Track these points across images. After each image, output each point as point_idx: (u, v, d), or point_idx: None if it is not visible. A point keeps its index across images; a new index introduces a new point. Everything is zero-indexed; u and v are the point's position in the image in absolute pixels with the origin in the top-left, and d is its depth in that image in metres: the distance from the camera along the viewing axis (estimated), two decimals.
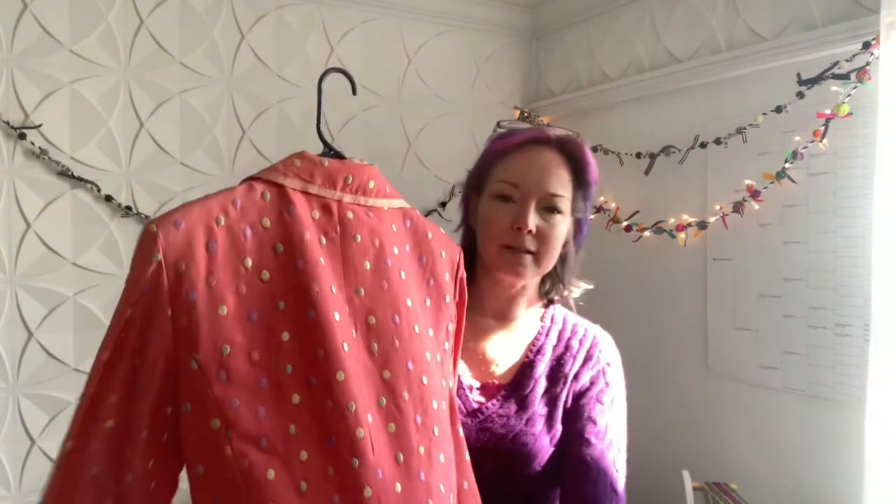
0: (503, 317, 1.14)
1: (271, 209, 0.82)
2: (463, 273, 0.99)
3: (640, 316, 2.48)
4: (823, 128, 1.83)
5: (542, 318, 1.16)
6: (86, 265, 2.10)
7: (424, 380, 0.88)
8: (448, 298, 0.96)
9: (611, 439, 1.07)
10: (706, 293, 2.23)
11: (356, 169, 0.91)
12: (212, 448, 0.75)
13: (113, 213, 2.13)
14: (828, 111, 1.81)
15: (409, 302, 0.89)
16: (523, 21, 2.88)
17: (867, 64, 1.73)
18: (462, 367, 1.08)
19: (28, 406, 2.03)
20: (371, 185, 0.91)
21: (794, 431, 1.97)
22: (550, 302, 1.18)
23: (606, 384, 1.11)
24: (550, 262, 1.08)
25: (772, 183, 1.97)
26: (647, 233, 2.38)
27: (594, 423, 1.07)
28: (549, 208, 1.06)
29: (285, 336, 0.79)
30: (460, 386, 1.06)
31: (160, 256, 0.74)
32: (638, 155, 2.40)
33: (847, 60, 1.78)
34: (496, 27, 2.83)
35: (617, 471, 1.06)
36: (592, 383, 1.10)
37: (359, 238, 0.87)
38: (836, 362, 1.85)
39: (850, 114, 1.78)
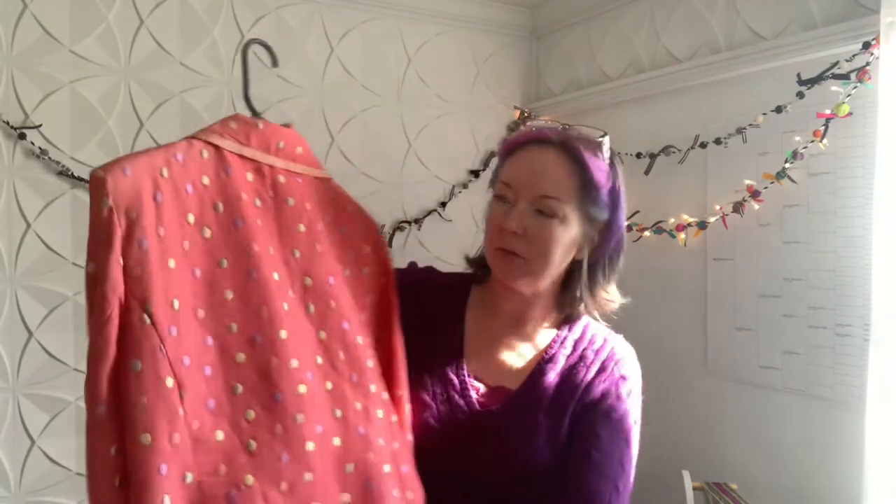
0: (517, 322, 1.09)
1: (209, 168, 0.82)
2: (386, 248, 1.03)
3: (640, 316, 2.47)
4: (823, 128, 1.83)
5: (559, 326, 1.10)
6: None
7: (359, 339, 0.90)
8: (366, 270, 0.98)
9: (614, 455, 1.01)
10: (706, 293, 2.23)
11: (288, 135, 0.92)
12: (166, 412, 0.72)
13: None
14: (828, 111, 1.81)
15: (340, 266, 0.92)
16: (523, 21, 2.88)
17: (867, 64, 1.73)
18: (474, 368, 1.06)
19: (28, 406, 2.03)
20: (299, 150, 0.93)
21: (794, 431, 1.97)
22: (570, 316, 1.11)
23: (618, 398, 1.04)
24: (545, 267, 1.01)
25: (772, 183, 1.97)
26: (647, 233, 2.38)
27: (598, 437, 1.00)
28: (541, 211, 1.00)
29: (229, 294, 0.79)
30: (468, 387, 1.04)
31: (110, 202, 0.72)
32: (638, 155, 2.40)
33: (847, 60, 1.78)
34: (496, 27, 2.83)
35: (617, 489, 0.99)
36: (604, 396, 1.03)
37: (291, 202, 0.89)
38: (836, 362, 1.85)
39: (850, 114, 1.77)
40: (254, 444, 0.78)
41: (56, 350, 2.05)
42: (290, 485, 0.78)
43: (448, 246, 2.70)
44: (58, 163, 2.03)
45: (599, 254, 1.06)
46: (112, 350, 0.70)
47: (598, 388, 1.04)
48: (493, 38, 2.84)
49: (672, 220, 2.30)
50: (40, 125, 2.02)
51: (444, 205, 2.71)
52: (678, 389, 2.32)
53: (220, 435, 0.76)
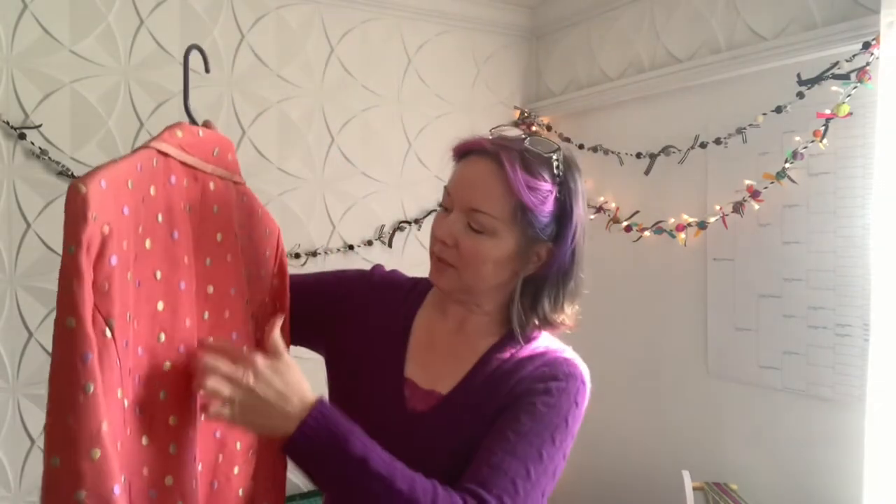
0: (461, 328, 1.07)
1: (158, 177, 0.84)
2: (283, 251, 1.05)
3: (640, 316, 2.48)
4: (823, 128, 1.83)
5: (504, 336, 1.05)
6: None
7: (244, 350, 0.92)
8: (263, 273, 1.00)
9: (532, 441, 0.94)
10: (706, 293, 2.23)
11: (222, 142, 0.94)
12: (118, 423, 0.74)
13: None
14: (828, 111, 1.81)
15: (244, 273, 0.94)
16: (523, 21, 2.88)
17: (867, 64, 1.73)
18: (412, 371, 1.05)
19: (28, 406, 2.02)
20: (229, 157, 0.95)
21: (794, 431, 1.97)
22: (520, 330, 1.05)
23: (546, 392, 0.98)
24: (475, 280, 1.00)
25: (772, 183, 1.98)
26: (647, 233, 2.38)
27: (518, 420, 0.95)
28: (470, 224, 0.98)
29: (160, 305, 0.82)
30: (402, 389, 1.03)
31: (95, 214, 0.72)
32: (638, 155, 2.40)
33: (847, 60, 1.79)
34: (496, 27, 2.83)
35: (528, 472, 0.93)
36: (530, 391, 0.98)
37: (216, 209, 0.91)
38: (836, 362, 1.85)
39: (850, 114, 1.78)
40: (174, 448, 0.84)
41: None
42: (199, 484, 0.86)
43: None
44: (58, 163, 2.03)
45: (545, 272, 1.02)
46: (96, 362, 0.71)
47: (526, 385, 0.99)
48: (493, 38, 2.84)
49: (672, 220, 2.30)
50: (40, 125, 2.02)
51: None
52: (678, 389, 2.32)
53: (145, 440, 0.81)
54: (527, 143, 0.99)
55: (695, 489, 2.03)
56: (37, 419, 2.03)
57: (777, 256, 2.01)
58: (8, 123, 1.97)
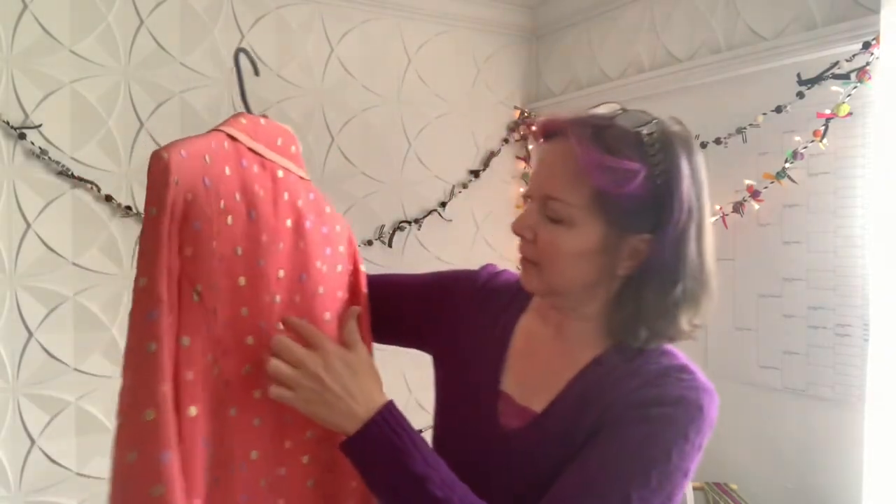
0: (560, 337, 0.94)
1: (231, 158, 0.85)
2: (356, 249, 1.04)
3: None
4: (823, 128, 1.83)
5: (609, 348, 0.90)
6: (86, 265, 2.10)
7: (320, 335, 0.93)
8: (340, 268, 1.01)
9: (615, 479, 0.79)
10: None
11: (284, 133, 0.95)
12: (206, 385, 0.77)
13: (113, 213, 2.13)
14: (828, 111, 1.81)
15: (318, 264, 0.94)
16: (523, 21, 2.88)
17: (867, 64, 1.73)
18: (509, 382, 0.95)
19: (28, 406, 2.03)
20: (293, 149, 0.96)
21: (794, 431, 1.97)
22: (628, 342, 0.89)
23: (643, 419, 0.82)
24: (558, 277, 0.87)
25: (772, 183, 1.97)
26: None
27: (604, 451, 0.81)
28: (547, 214, 0.86)
29: (242, 281, 0.83)
30: (496, 401, 0.94)
31: (177, 179, 0.74)
32: None
33: (847, 60, 1.78)
34: (496, 27, 2.83)
35: None
36: (621, 418, 0.83)
37: (286, 196, 0.92)
38: (836, 362, 1.85)
39: (850, 114, 1.78)
40: (258, 421, 0.85)
41: (56, 350, 2.05)
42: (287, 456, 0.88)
43: (448, 246, 2.70)
44: (58, 163, 2.03)
45: (647, 271, 0.85)
46: (164, 323, 0.72)
47: (620, 408, 0.83)
48: (493, 38, 2.84)
49: None
50: (40, 125, 2.02)
51: (444, 205, 2.71)
52: None
53: (233, 412, 0.82)
54: (617, 118, 0.85)
55: (695, 489, 2.03)
56: (37, 419, 2.03)
57: (777, 256, 2.01)
58: (8, 123, 1.97)
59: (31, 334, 2.03)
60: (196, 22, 2.25)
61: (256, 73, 1.02)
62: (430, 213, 2.67)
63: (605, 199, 0.82)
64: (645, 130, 0.83)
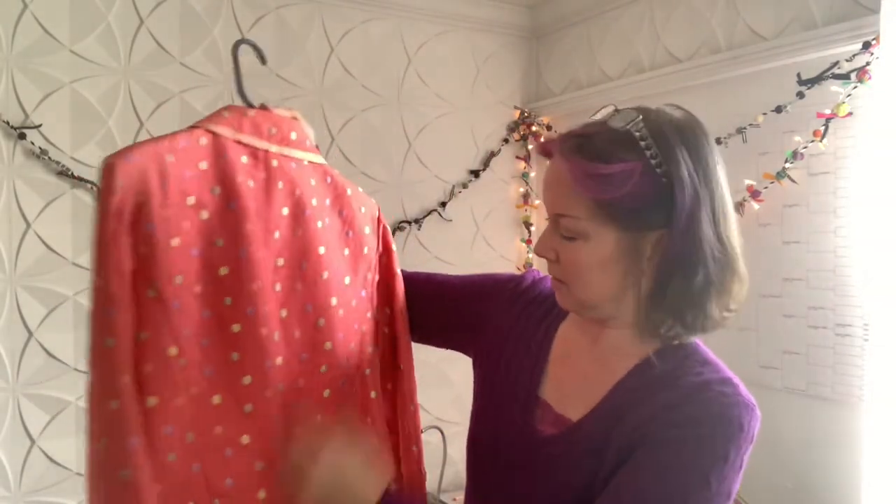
0: (597, 346, 0.93)
1: (208, 153, 0.88)
2: (386, 227, 1.04)
3: None
4: (823, 128, 1.83)
5: (646, 355, 0.87)
6: (86, 265, 2.10)
7: (321, 322, 0.94)
8: (366, 250, 1.01)
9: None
10: None
11: (279, 121, 0.98)
12: (166, 376, 0.80)
13: None
14: (828, 111, 1.81)
15: (321, 250, 0.95)
16: (523, 21, 2.88)
17: (867, 64, 1.73)
18: (548, 389, 0.95)
19: (28, 406, 2.03)
20: (293, 136, 0.98)
21: (794, 431, 1.97)
22: (665, 344, 0.88)
23: (679, 440, 0.80)
24: (586, 292, 0.87)
25: (772, 183, 1.97)
26: None
27: (636, 478, 0.80)
28: (562, 234, 0.86)
29: (223, 271, 0.86)
30: (534, 408, 0.94)
31: (122, 183, 0.78)
32: None
33: (847, 60, 1.78)
34: (496, 27, 2.83)
35: None
36: (653, 440, 0.81)
37: (281, 185, 0.93)
38: (836, 362, 1.85)
39: (850, 114, 1.78)
40: (249, 407, 0.86)
41: (56, 350, 2.05)
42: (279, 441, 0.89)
43: (448, 246, 2.70)
44: (58, 163, 2.03)
45: (668, 263, 0.83)
46: (121, 319, 0.77)
47: (653, 427, 0.81)
48: (493, 38, 2.84)
49: None
50: (40, 125, 2.02)
51: (444, 205, 2.71)
52: None
53: (217, 399, 0.84)
54: (608, 121, 0.85)
55: None
56: (37, 419, 2.03)
57: (777, 256, 2.01)
58: (8, 123, 1.97)
59: (31, 334, 2.03)
60: (196, 22, 2.25)
61: (263, 61, 1.03)
62: (430, 213, 2.67)
63: (608, 206, 0.82)
64: (634, 127, 0.83)
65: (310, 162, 0.98)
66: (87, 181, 2.07)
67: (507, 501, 0.93)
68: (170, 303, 0.80)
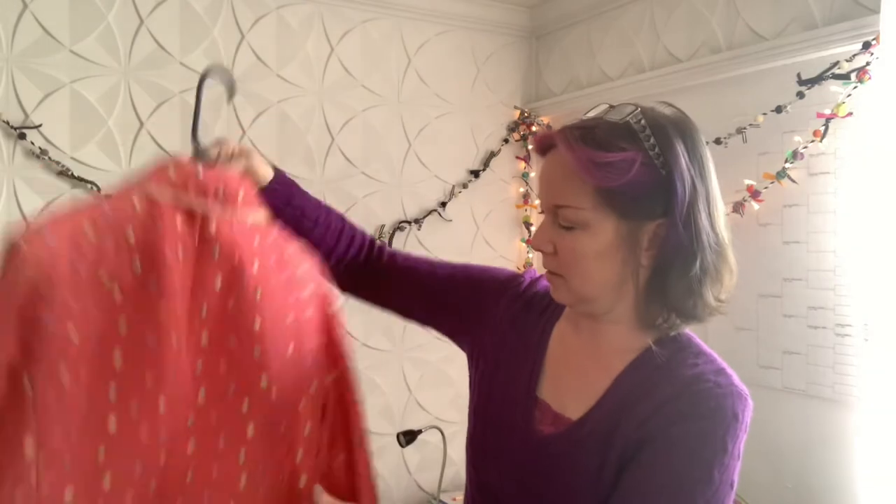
0: (594, 343, 0.94)
1: (138, 221, 0.81)
2: (328, 286, 0.94)
3: None
4: (823, 128, 1.83)
5: (644, 349, 0.89)
6: None
7: (245, 406, 0.85)
8: (309, 312, 0.91)
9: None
10: None
11: (228, 180, 0.89)
12: (20, 476, 0.74)
13: None
14: (828, 111, 1.81)
15: (256, 324, 0.85)
16: (523, 21, 2.88)
17: (867, 64, 1.73)
18: (546, 389, 0.95)
19: None
20: (240, 196, 0.89)
21: (794, 431, 1.97)
22: (661, 336, 0.90)
23: (680, 438, 0.83)
24: (584, 284, 0.88)
25: (772, 183, 1.97)
26: None
27: (643, 480, 0.82)
28: (560, 224, 0.87)
29: (118, 360, 0.79)
30: (532, 406, 0.95)
31: (25, 275, 0.73)
32: None
33: (847, 60, 1.78)
34: (496, 27, 2.83)
35: None
36: (655, 438, 0.83)
37: (216, 254, 0.84)
38: (836, 362, 1.85)
39: (850, 114, 1.78)
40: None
41: None
42: None
43: (448, 246, 2.70)
44: (58, 163, 2.03)
45: (666, 254, 0.85)
46: None
47: (654, 425, 0.83)
48: (493, 38, 2.84)
49: None
50: (40, 125, 2.02)
51: (444, 205, 2.71)
52: None
53: (69, 495, 0.77)
54: (605, 115, 0.87)
55: None
56: None
57: (777, 256, 2.01)
58: (8, 123, 1.97)
59: None
60: (196, 22, 2.25)
61: (231, 96, 0.97)
62: (430, 213, 2.67)
63: (609, 194, 0.84)
64: (632, 118, 0.85)
65: (253, 221, 0.90)
66: (86, 181, 2.07)
67: (507, 501, 0.93)
68: (42, 398, 0.74)
